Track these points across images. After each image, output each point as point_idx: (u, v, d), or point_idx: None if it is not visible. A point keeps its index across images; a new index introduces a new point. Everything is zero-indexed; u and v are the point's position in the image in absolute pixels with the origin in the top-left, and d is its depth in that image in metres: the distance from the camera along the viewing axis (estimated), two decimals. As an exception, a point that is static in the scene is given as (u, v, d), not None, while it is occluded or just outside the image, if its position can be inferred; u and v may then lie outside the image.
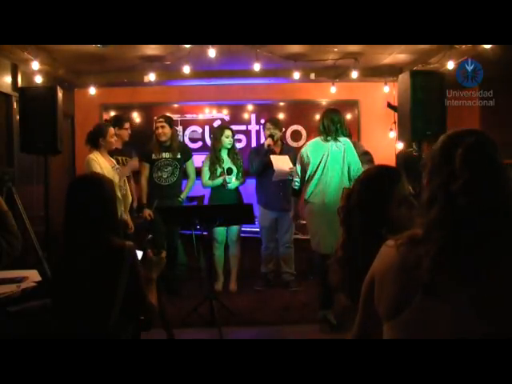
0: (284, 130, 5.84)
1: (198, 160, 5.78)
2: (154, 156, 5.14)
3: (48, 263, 4.24)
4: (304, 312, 4.72)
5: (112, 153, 4.76)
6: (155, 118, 5.85)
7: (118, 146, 4.91)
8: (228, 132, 5.32)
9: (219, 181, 5.25)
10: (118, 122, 5.07)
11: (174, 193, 5.16)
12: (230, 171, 5.23)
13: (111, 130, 4.66)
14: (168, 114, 5.67)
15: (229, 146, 5.33)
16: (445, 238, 1.11)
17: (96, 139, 4.56)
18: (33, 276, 3.05)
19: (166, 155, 5.15)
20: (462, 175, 1.12)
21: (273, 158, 5.28)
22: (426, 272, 1.11)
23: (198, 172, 5.45)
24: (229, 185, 5.25)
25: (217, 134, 5.43)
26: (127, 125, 5.27)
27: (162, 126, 5.11)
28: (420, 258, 1.13)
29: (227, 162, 5.33)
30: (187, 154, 5.34)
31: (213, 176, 5.29)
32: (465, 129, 1.21)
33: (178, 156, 5.19)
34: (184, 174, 5.31)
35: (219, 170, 5.27)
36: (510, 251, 1.11)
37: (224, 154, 5.35)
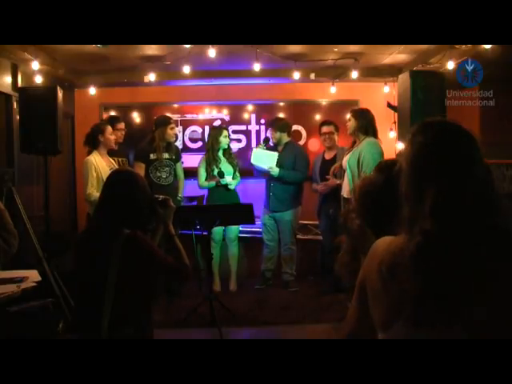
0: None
1: (198, 160, 5.79)
2: (152, 156, 5.17)
3: (48, 263, 4.24)
4: (304, 312, 4.72)
5: (108, 153, 4.78)
6: (155, 117, 5.84)
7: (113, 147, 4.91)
8: (226, 132, 5.46)
9: (214, 183, 5.33)
10: (112, 122, 5.07)
11: (173, 192, 5.18)
12: (221, 174, 5.29)
13: (109, 128, 4.69)
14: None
15: (226, 146, 5.42)
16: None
17: (95, 137, 4.60)
18: (33, 276, 3.04)
19: (165, 155, 5.22)
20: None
21: (256, 151, 5.48)
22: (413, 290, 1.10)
23: (195, 172, 5.51)
24: (229, 186, 5.32)
25: (216, 134, 5.47)
26: (121, 125, 5.30)
27: (173, 128, 5.27)
28: (406, 272, 1.11)
29: (223, 162, 5.39)
30: (179, 155, 5.47)
31: (210, 177, 5.35)
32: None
33: (173, 157, 5.29)
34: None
35: (216, 171, 5.32)
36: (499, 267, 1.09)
37: (220, 155, 5.42)
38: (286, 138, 5.56)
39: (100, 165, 4.51)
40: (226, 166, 5.39)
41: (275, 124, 5.59)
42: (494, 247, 1.10)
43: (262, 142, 5.66)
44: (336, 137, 5.46)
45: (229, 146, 5.48)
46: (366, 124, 4.61)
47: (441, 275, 1.09)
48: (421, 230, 1.12)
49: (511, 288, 1.09)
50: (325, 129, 5.47)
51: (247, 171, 5.67)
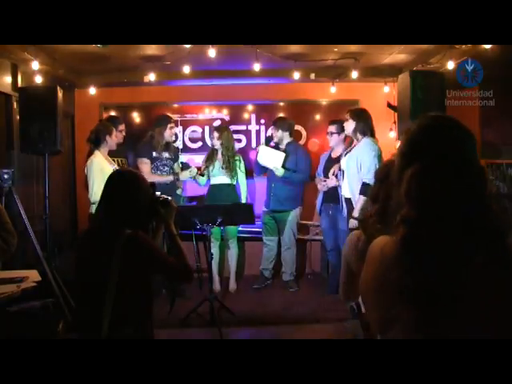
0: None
1: (199, 160, 5.80)
2: (155, 154, 5.21)
3: (48, 263, 4.24)
4: (304, 312, 4.72)
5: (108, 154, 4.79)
6: (156, 117, 5.84)
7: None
8: (215, 134, 5.51)
9: (200, 177, 5.45)
10: (114, 123, 5.07)
11: (174, 191, 5.22)
12: (185, 167, 5.48)
13: (114, 129, 4.71)
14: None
15: (215, 147, 5.47)
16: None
17: (102, 137, 4.59)
18: (33, 276, 3.05)
19: (165, 155, 5.26)
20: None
21: (263, 149, 5.46)
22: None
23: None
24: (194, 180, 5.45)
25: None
26: (122, 127, 5.31)
27: (172, 127, 5.31)
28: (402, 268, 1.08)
29: (217, 163, 5.44)
30: (178, 155, 5.53)
31: (207, 169, 5.46)
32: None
33: (173, 156, 5.34)
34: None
35: (211, 167, 5.43)
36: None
37: (218, 153, 5.47)
38: (288, 138, 5.55)
39: (104, 165, 4.51)
40: (218, 167, 5.42)
41: (278, 123, 5.57)
42: (479, 242, 1.06)
43: (262, 142, 5.64)
44: (337, 136, 5.41)
45: (226, 146, 5.42)
46: (364, 124, 4.57)
47: (428, 268, 1.05)
48: (400, 218, 1.09)
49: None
50: (328, 128, 5.47)
51: (247, 171, 5.66)
